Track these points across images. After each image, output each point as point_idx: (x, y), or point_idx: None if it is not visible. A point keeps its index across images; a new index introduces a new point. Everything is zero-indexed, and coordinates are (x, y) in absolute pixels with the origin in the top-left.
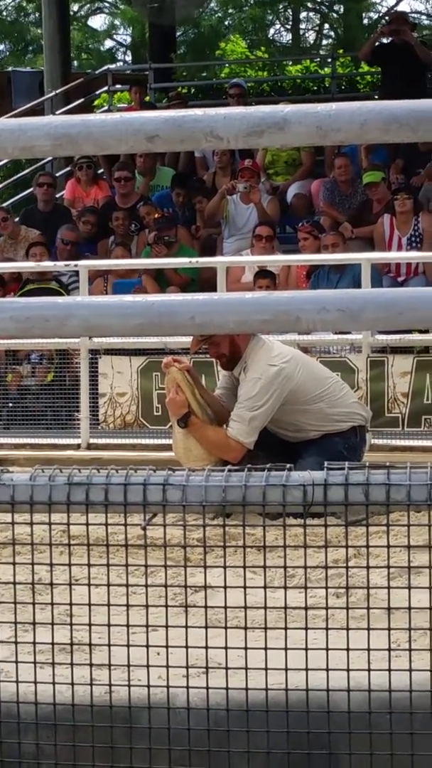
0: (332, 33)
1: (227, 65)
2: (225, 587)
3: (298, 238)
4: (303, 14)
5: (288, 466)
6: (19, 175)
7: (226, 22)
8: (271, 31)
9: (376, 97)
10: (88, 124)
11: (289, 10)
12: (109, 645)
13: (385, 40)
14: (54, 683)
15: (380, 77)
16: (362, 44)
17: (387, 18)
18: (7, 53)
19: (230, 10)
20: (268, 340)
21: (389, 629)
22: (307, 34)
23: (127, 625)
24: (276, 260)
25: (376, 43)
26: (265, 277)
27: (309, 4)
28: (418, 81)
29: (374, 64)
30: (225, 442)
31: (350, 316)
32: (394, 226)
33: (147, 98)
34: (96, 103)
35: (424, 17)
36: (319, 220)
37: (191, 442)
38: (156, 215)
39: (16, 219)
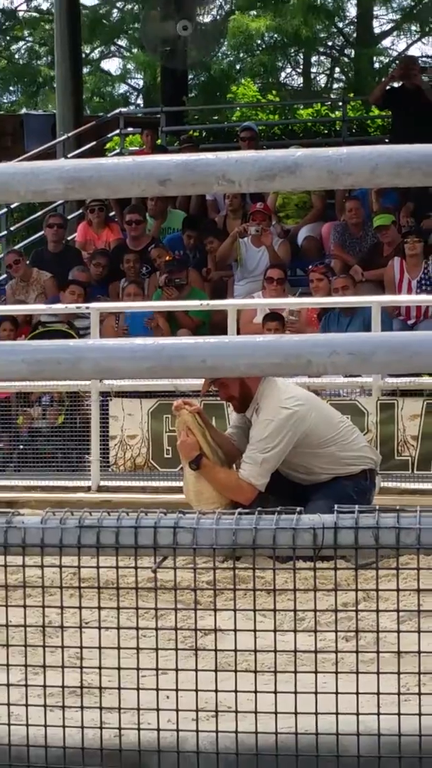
0: (343, 77)
1: (238, 109)
2: (235, 630)
3: (310, 279)
4: (314, 58)
5: (298, 509)
6: (31, 217)
7: (238, 66)
8: (283, 74)
9: (387, 141)
10: (100, 168)
11: (300, 55)
12: (119, 688)
13: (395, 84)
14: (64, 726)
15: (391, 121)
16: (372, 88)
17: (397, 62)
18: (20, 94)
19: (241, 54)
20: (281, 381)
21: (399, 673)
22: (318, 78)
23: (137, 668)
24: (287, 303)
25: (387, 88)
26: (273, 320)
27: (320, 49)
28: (429, 124)
29: (384, 108)
30: (237, 484)
31: (361, 360)
32: (404, 269)
33: (158, 141)
34: (108, 146)
35: None
36: (330, 263)
37: (202, 484)
38: (167, 258)
39: (27, 261)
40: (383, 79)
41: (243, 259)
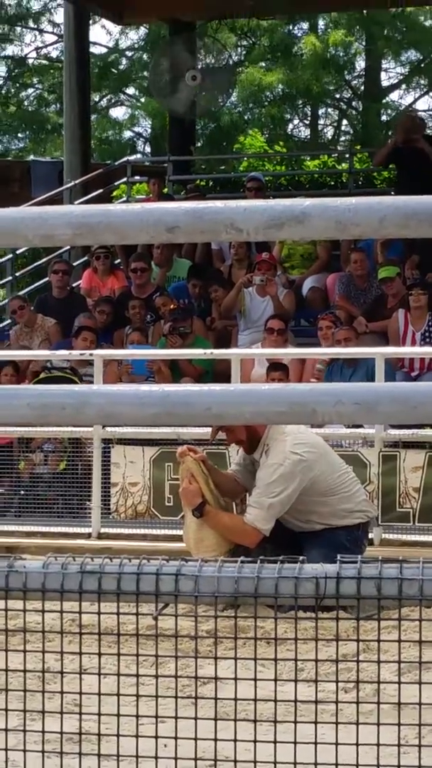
0: (350, 129)
1: (246, 159)
2: (235, 679)
3: (319, 327)
4: (321, 110)
5: (301, 558)
6: (36, 264)
7: (246, 116)
8: (290, 126)
9: (393, 193)
10: (108, 214)
11: (308, 107)
12: (117, 735)
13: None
14: None
15: (396, 175)
16: (379, 144)
17: (398, 121)
18: (28, 141)
19: (250, 105)
20: (291, 428)
21: (399, 725)
22: (325, 130)
23: (137, 716)
24: (290, 353)
25: (390, 151)
26: (276, 370)
27: (328, 101)
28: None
29: (389, 165)
30: (242, 529)
31: (366, 409)
32: (409, 321)
33: (165, 190)
34: (115, 194)
35: None
36: (335, 313)
37: (205, 531)
38: (172, 306)
39: (32, 308)
40: (387, 143)
41: (247, 308)
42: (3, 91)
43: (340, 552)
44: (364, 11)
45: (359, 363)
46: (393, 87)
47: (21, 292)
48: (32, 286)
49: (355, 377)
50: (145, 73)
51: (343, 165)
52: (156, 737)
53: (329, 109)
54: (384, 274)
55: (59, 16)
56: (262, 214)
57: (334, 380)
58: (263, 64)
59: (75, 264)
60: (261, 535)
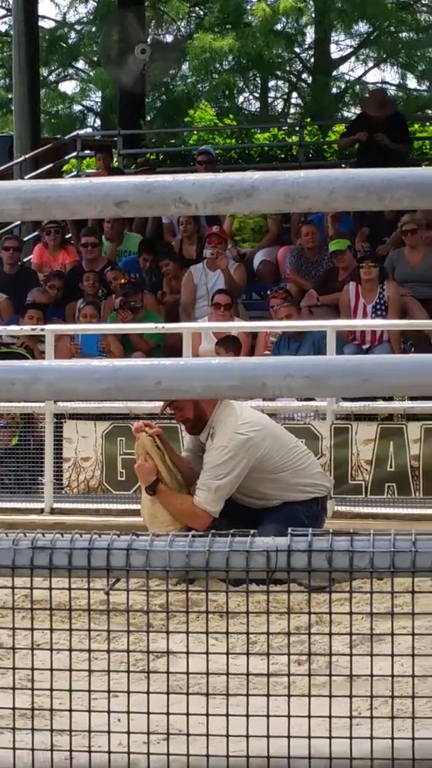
0: (300, 102)
1: (196, 132)
2: (187, 653)
3: (270, 305)
4: (272, 83)
5: (252, 531)
6: None
7: (199, 87)
8: (240, 99)
9: (343, 165)
10: (57, 189)
11: (258, 79)
12: (70, 710)
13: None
14: (14, 749)
15: (357, 146)
16: (329, 116)
17: (356, 113)
18: None
19: (201, 75)
20: (237, 405)
21: (351, 696)
22: (275, 103)
23: (89, 690)
24: (241, 326)
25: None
26: (223, 345)
27: (278, 73)
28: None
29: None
30: (191, 511)
31: (316, 383)
32: (360, 294)
33: (116, 164)
34: (65, 168)
35: (393, 88)
36: (286, 287)
37: (158, 508)
38: (122, 281)
39: None
40: (350, 137)
41: (199, 283)
42: None
43: (297, 527)
44: None
45: (305, 337)
46: (343, 59)
47: None
48: None
49: (301, 351)
50: (95, 48)
51: (294, 138)
52: (109, 712)
53: (279, 82)
54: (335, 247)
55: None
56: (210, 187)
57: (282, 354)
58: (216, 29)
59: (26, 239)
60: (210, 517)
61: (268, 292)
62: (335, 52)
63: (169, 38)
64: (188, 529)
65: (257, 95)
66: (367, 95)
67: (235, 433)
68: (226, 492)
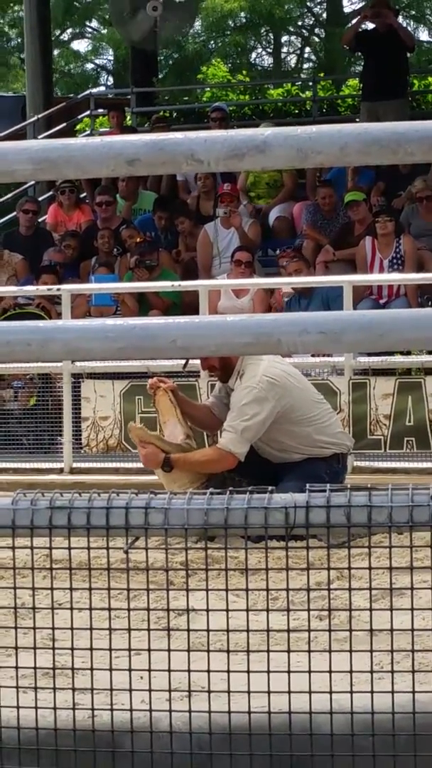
0: (313, 57)
1: (209, 89)
2: (207, 610)
3: (280, 264)
4: (284, 38)
5: (270, 488)
6: (0, 200)
7: (211, 44)
8: (253, 55)
9: (357, 120)
10: (69, 148)
11: (271, 35)
12: (91, 669)
13: (369, 25)
14: (36, 708)
15: (363, 64)
16: (342, 71)
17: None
18: None
19: (213, 33)
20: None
21: (372, 651)
22: (288, 58)
23: (110, 649)
24: (257, 283)
25: (359, 29)
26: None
27: (290, 28)
28: (400, 66)
29: (356, 51)
30: (216, 456)
31: (331, 339)
32: (376, 248)
33: (129, 122)
34: (78, 127)
35: None
36: (302, 243)
37: (175, 474)
38: (138, 239)
39: None
40: (355, 21)
41: (215, 241)
42: None
43: (316, 484)
44: None
45: (313, 293)
46: (355, 13)
47: None
48: None
49: (311, 307)
50: (107, 5)
51: (307, 93)
52: (130, 670)
53: (292, 37)
54: (350, 198)
55: None
56: (222, 144)
57: (294, 311)
58: None
59: (40, 199)
60: (236, 459)
61: (278, 252)
62: (347, 6)
63: None
64: (206, 486)
65: (270, 51)
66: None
67: (264, 376)
68: (253, 434)
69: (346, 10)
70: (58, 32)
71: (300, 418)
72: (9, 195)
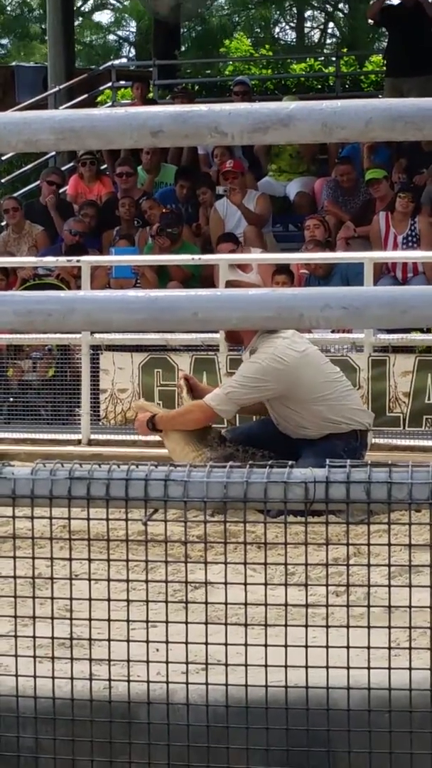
0: (337, 32)
1: (231, 63)
2: (225, 584)
3: (307, 227)
4: (308, 13)
5: (290, 463)
6: (21, 170)
7: (235, 18)
8: (276, 29)
9: (380, 96)
10: (92, 119)
11: (294, 9)
12: (108, 640)
13: (395, 0)
14: (53, 678)
15: (387, 39)
16: (365, 46)
17: None
18: (10, 47)
19: (237, 7)
20: (288, 333)
21: (389, 628)
22: (311, 33)
23: (127, 621)
24: (277, 258)
25: (385, 3)
26: (282, 273)
27: (314, 3)
28: (425, 41)
29: (381, 25)
30: (193, 409)
31: (353, 314)
32: (390, 224)
33: (150, 95)
34: (99, 99)
35: None
36: (324, 218)
37: (170, 442)
38: (163, 210)
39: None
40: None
41: (224, 218)
42: None
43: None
44: None
45: (333, 270)
46: None
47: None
48: (19, 192)
49: (331, 284)
50: None
51: (330, 68)
52: (147, 642)
53: (316, 12)
54: (371, 176)
55: None
56: (246, 117)
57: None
58: None
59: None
60: (212, 412)
61: (305, 218)
62: None
63: None
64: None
65: (293, 25)
66: None
67: (273, 355)
68: (236, 398)
69: None
70: (79, 3)
71: (308, 397)
72: (30, 166)
